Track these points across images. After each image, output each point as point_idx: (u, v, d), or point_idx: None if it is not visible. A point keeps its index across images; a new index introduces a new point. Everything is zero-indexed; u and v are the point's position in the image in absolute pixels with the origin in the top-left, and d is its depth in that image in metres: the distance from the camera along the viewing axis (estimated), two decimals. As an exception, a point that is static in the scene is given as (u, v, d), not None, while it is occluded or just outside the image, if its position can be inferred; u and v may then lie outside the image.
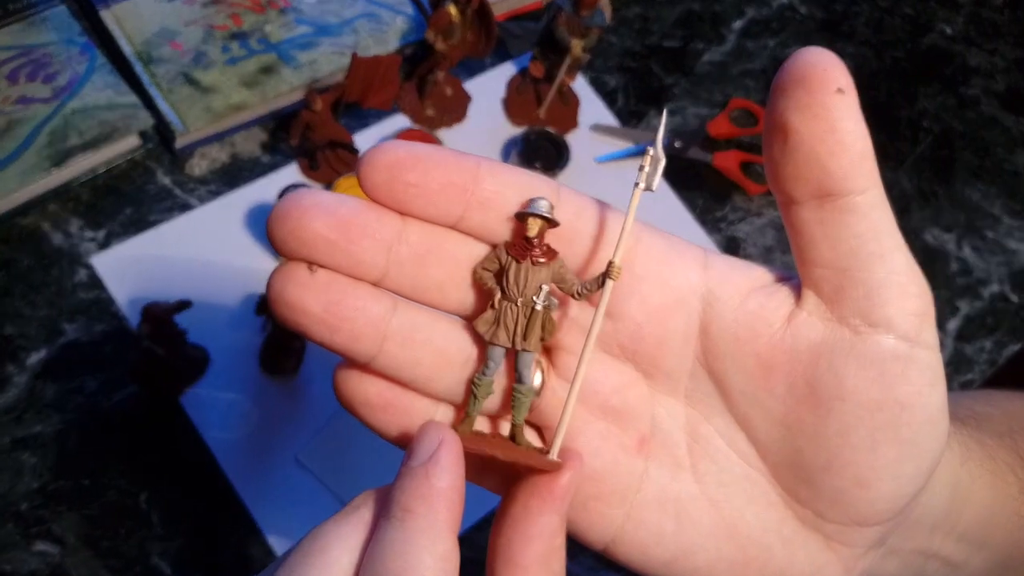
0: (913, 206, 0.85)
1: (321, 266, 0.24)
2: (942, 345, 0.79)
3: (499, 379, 0.26)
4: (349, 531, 0.23)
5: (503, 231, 0.25)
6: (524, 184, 0.25)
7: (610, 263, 0.24)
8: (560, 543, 0.25)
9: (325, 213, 0.23)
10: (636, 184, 0.25)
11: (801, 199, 0.24)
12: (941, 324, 0.80)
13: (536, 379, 0.26)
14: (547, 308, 0.25)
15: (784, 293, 0.26)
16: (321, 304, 0.24)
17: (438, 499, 0.23)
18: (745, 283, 0.26)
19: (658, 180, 0.25)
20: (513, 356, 0.26)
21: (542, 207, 0.24)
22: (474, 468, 0.27)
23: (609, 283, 0.24)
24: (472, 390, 0.26)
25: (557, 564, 0.24)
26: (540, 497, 0.24)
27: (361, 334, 0.24)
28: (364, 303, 0.24)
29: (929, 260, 0.83)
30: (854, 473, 0.25)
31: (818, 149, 0.23)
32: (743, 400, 0.26)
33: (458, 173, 0.24)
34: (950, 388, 0.82)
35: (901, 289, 0.24)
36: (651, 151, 0.25)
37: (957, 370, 0.78)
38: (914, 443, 0.25)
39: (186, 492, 0.59)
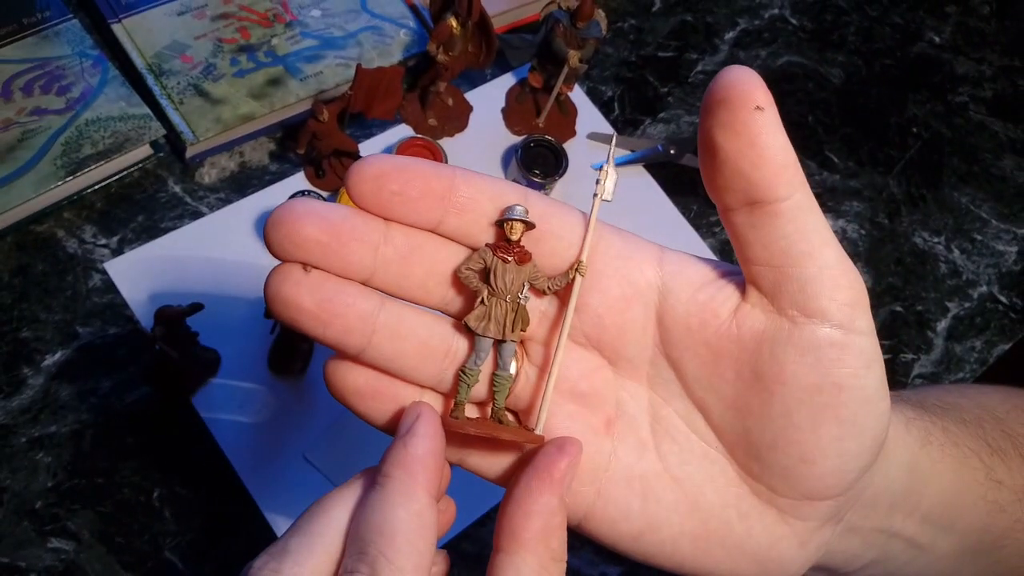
0: (903, 210, 0.87)
1: (314, 267, 0.26)
2: (933, 345, 0.81)
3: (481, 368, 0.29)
4: (347, 496, 0.27)
5: (479, 233, 0.28)
6: (496, 190, 0.28)
7: (579, 261, 0.28)
8: (559, 523, 0.27)
9: (317, 218, 0.26)
10: (595, 195, 0.29)
11: (733, 207, 0.27)
12: (932, 325, 0.82)
13: (511, 367, 0.29)
14: (525, 302, 0.28)
15: (731, 287, 0.28)
16: (314, 301, 0.26)
17: (414, 464, 0.26)
18: (696, 277, 0.28)
19: (613, 191, 0.29)
20: (496, 346, 0.29)
21: (520, 212, 0.27)
22: (463, 451, 0.29)
23: (579, 278, 0.28)
24: (462, 379, 0.28)
25: (556, 543, 0.26)
26: (540, 478, 0.27)
27: (352, 328, 0.27)
28: (354, 299, 0.27)
29: (919, 262, 0.85)
30: (799, 451, 0.27)
31: (741, 163, 0.25)
32: (697, 385, 0.28)
33: (436, 182, 0.27)
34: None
35: (833, 282, 0.26)
36: (606, 167, 0.29)
37: (948, 370, 0.80)
38: (854, 422, 0.27)
39: (197, 489, 0.61)
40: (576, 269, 0.28)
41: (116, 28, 0.71)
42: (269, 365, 0.64)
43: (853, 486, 0.28)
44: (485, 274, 0.28)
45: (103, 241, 0.67)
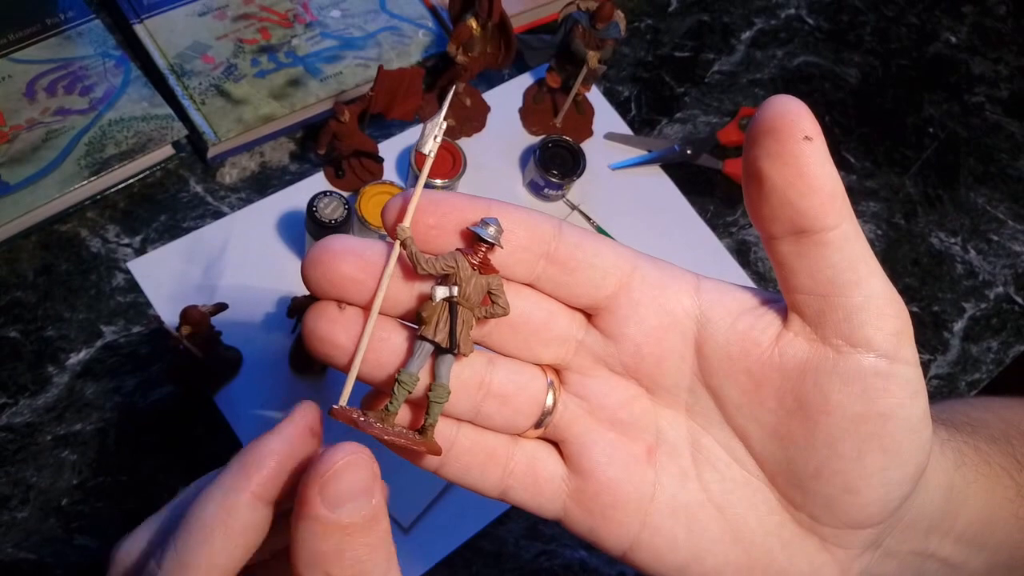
0: (919, 210, 0.87)
1: (350, 304, 0.27)
2: (949, 346, 0.81)
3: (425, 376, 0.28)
4: (207, 479, 0.27)
5: (515, 265, 0.27)
6: (533, 222, 0.27)
7: (397, 224, 0.26)
8: (335, 548, 0.23)
9: (353, 256, 0.26)
10: (420, 150, 0.27)
11: (779, 235, 0.26)
12: (948, 325, 0.82)
13: (548, 398, 0.29)
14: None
15: (772, 315, 0.28)
16: (349, 338, 0.26)
17: (254, 462, 0.25)
18: (735, 306, 0.28)
19: (430, 144, 0.27)
20: (435, 356, 0.28)
21: (490, 233, 0.26)
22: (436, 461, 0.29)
23: (396, 244, 0.26)
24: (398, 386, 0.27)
25: (338, 570, 0.23)
26: (298, 500, 0.23)
27: (386, 363, 0.27)
28: (389, 335, 0.27)
29: (935, 263, 0.85)
30: (843, 480, 0.27)
31: (789, 193, 0.25)
32: (738, 413, 0.28)
33: (472, 214, 0.27)
34: (957, 388, 0.84)
35: (879, 311, 0.26)
36: (437, 117, 0.27)
37: (964, 370, 0.80)
38: (898, 451, 0.27)
39: (220, 487, 0.62)
40: (397, 235, 0.26)
41: (138, 28, 0.72)
42: (290, 364, 0.65)
43: (895, 513, 0.28)
44: (445, 279, 0.27)
45: (126, 240, 0.67)
